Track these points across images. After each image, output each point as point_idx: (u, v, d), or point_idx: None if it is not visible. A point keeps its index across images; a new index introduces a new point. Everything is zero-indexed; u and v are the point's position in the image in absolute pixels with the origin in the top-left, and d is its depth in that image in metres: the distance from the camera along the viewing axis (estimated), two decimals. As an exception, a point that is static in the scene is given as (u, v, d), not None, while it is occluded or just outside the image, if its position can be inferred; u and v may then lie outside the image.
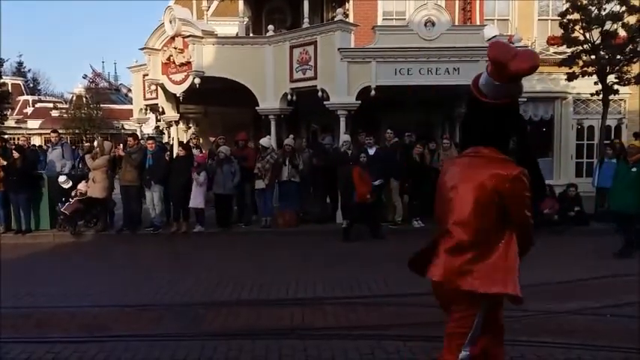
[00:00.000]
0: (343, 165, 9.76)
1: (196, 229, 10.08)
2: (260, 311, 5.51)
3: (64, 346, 4.64)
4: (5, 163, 9.79)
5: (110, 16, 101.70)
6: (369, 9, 14.77)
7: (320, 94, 10.74)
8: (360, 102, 10.58)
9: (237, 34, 14.36)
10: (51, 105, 38.19)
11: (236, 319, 5.30)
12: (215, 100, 13.97)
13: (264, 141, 10.52)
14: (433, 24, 10.70)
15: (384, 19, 14.96)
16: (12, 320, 5.42)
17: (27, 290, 6.55)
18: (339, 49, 10.52)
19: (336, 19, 10.95)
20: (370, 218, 9.40)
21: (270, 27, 12.01)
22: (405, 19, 13.70)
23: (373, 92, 10.52)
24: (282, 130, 12.63)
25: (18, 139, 20.74)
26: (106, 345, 4.67)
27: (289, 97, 11.41)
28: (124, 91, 41.32)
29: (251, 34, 15.07)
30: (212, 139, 12.73)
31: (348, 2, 14.78)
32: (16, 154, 9.99)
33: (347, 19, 12.29)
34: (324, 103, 10.71)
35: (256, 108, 11.85)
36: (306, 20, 11.99)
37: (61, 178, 10.13)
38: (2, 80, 28.88)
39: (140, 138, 11.88)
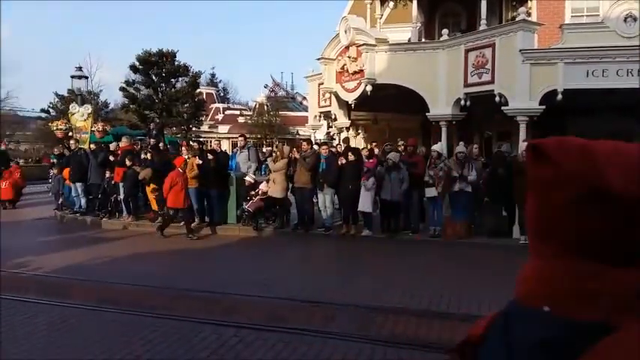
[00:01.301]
0: (522, 175, 9.06)
1: (364, 232, 10.27)
2: (430, 323, 5.36)
3: (249, 332, 5.07)
4: (201, 162, 11.11)
5: (288, 30, 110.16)
6: (555, 7, 13.52)
7: (497, 99, 10.15)
8: (543, 107, 9.74)
9: (409, 40, 14.35)
10: (238, 112, 42.67)
11: (405, 327, 5.24)
12: (384, 106, 14.16)
13: (437, 147, 10.29)
14: (635, 19, 9.39)
15: (572, 16, 13.57)
16: (204, 303, 6.12)
17: (217, 278, 7.36)
18: (520, 50, 9.83)
19: (517, 19, 10.26)
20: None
21: (445, 31, 11.76)
22: (598, 15, 12.26)
23: (560, 96, 9.60)
24: (453, 137, 12.24)
25: (211, 142, 23.43)
26: (285, 335, 4.98)
27: (462, 102, 11.01)
28: (299, 99, 44.22)
29: (423, 40, 14.91)
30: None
31: (531, 0, 13.73)
32: (209, 156, 11.30)
33: (529, 19, 11.42)
34: (502, 108, 10.10)
35: (427, 114, 11.67)
36: (483, 22, 11.46)
37: (247, 179, 11.19)
38: (199, 90, 33.17)
39: (314, 143, 12.54)
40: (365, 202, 9.99)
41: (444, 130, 11.48)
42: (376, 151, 11.58)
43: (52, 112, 34.02)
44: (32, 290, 6.61)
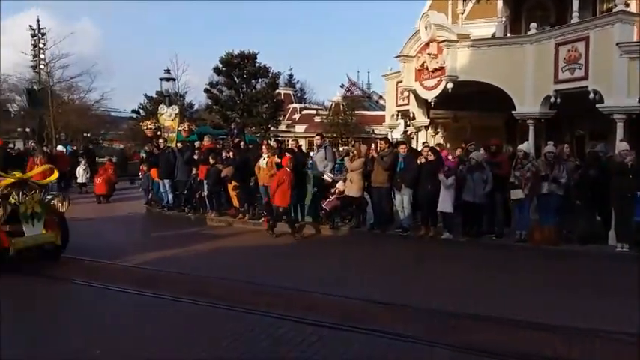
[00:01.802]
0: (619, 177, 8.40)
1: (444, 235, 9.97)
2: (514, 332, 5.09)
3: (327, 331, 5.09)
4: (279, 161, 11.31)
5: (365, 28, 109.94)
6: (658, -5, 12.46)
7: (592, 95, 9.48)
8: (644, 105, 8.97)
9: (493, 35, 13.79)
10: (314, 112, 43.25)
11: (487, 335, 5.01)
12: (465, 104, 13.72)
13: (524, 147, 9.77)
14: None
15: (678, 5, 12.43)
16: (284, 299, 6.21)
17: (295, 275, 7.46)
18: (618, 43, 9.11)
19: (615, 10, 9.52)
20: None
21: (533, 25, 11.14)
22: None
23: (662, 92, 8.80)
24: (541, 137, 11.60)
25: (288, 141, 23.91)
26: (362, 336, 4.95)
27: (552, 99, 10.39)
28: (375, 98, 44.00)
29: (508, 34, 14.26)
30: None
31: (631, -11, 12.71)
32: (287, 155, 11.47)
33: (628, 9, 10.57)
34: (597, 105, 9.41)
35: (513, 112, 11.15)
36: (575, 14, 10.75)
37: (325, 178, 11.26)
38: (277, 90, 33.97)
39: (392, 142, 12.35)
40: (445, 202, 9.71)
41: (531, 128, 10.90)
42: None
43: (142, 113, 36.27)
44: (124, 280, 7.04)
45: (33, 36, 30.15)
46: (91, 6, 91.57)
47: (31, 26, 30.15)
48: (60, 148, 22.47)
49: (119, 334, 5.07)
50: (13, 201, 7.22)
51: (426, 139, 14.24)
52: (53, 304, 6.24)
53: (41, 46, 30.28)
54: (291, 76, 56.30)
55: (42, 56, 30.39)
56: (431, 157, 10.10)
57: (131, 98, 60.12)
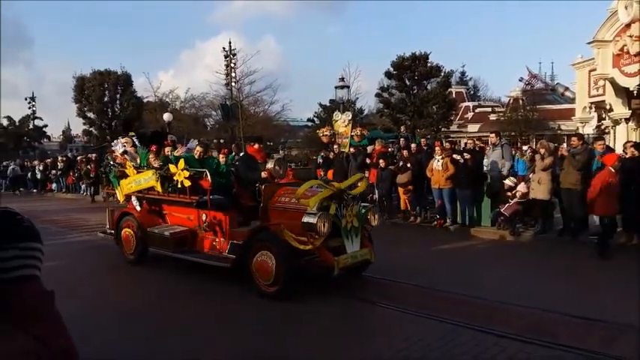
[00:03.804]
0: None
1: (650, 243, 8.56)
2: None
3: (510, 342, 4.75)
4: (462, 160, 10.85)
5: (547, 14, 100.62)
6: None
7: None
8: None
9: None
10: (489, 109, 40.97)
11: None
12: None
13: None
14: None
15: None
16: (466, 307, 5.89)
17: (473, 281, 7.04)
18: None
19: None
20: None
21: None
22: None
23: None
24: None
25: (460, 141, 23.07)
26: (553, 352, 4.53)
27: None
28: (561, 90, 40.03)
29: None
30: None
31: None
32: (467, 155, 11.00)
33: None
34: None
35: None
36: None
37: (506, 182, 10.50)
38: (449, 90, 32.97)
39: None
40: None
41: None
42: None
43: (316, 121, 38.35)
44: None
45: (225, 57, 33.90)
46: (274, 24, 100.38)
47: (224, 48, 34.04)
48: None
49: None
50: (332, 214, 6.24)
51: (626, 133, 12.47)
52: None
53: (232, 65, 33.92)
54: (463, 73, 54.15)
55: (233, 74, 34.01)
56: (635, 153, 8.76)
57: (306, 107, 63.83)
